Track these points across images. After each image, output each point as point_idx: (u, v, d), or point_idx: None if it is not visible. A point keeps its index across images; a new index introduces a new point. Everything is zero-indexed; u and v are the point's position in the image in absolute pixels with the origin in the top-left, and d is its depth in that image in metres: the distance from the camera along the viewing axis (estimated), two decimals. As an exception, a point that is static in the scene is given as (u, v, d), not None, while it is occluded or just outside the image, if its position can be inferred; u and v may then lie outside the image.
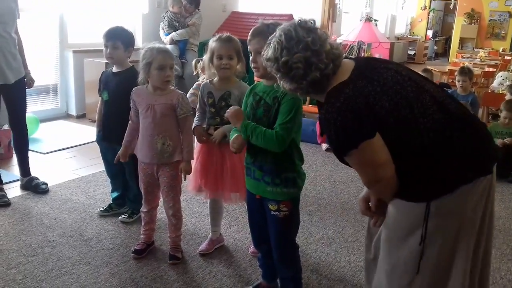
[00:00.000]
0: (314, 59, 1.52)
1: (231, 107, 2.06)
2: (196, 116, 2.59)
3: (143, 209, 2.68)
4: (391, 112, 1.47)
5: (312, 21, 1.61)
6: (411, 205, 1.52)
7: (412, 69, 1.70)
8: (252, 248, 2.70)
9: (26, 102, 3.47)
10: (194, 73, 3.40)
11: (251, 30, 2.02)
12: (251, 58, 2.02)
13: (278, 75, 1.61)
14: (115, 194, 3.19)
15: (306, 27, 1.58)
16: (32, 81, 3.51)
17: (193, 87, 3.19)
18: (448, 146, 1.48)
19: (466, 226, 1.52)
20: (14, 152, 3.82)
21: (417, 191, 1.51)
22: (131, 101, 2.55)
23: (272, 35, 1.63)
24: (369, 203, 1.71)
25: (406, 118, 1.48)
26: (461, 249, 1.52)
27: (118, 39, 2.84)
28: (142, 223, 2.72)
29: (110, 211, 3.14)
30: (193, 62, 3.44)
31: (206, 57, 2.45)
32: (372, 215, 1.70)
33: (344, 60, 1.61)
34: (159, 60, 2.38)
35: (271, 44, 1.59)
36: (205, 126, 2.51)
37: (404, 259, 1.56)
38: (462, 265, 1.53)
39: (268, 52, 1.60)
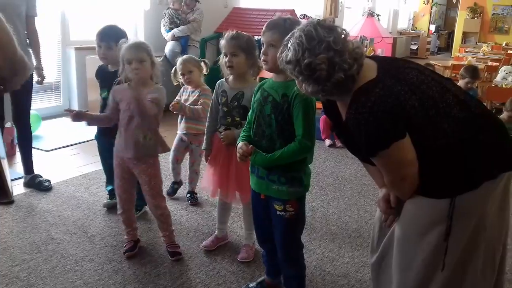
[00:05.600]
0: (337, 59, 1.46)
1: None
2: (208, 120, 2.57)
3: (120, 211, 2.63)
4: (420, 111, 1.45)
5: (331, 19, 1.56)
6: (434, 201, 1.51)
7: (431, 69, 1.69)
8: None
9: (31, 100, 3.50)
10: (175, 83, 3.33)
11: (267, 22, 1.96)
12: (262, 50, 1.96)
13: (300, 78, 1.53)
14: (110, 187, 3.22)
15: (326, 25, 1.51)
16: (43, 77, 3.57)
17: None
18: (473, 143, 1.48)
19: (487, 222, 1.52)
20: (17, 149, 3.82)
21: (442, 188, 1.50)
22: (110, 97, 2.53)
23: (289, 36, 1.56)
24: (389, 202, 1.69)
25: (432, 118, 1.46)
26: (480, 245, 1.53)
27: (112, 39, 2.81)
28: (124, 226, 2.68)
29: (115, 198, 3.18)
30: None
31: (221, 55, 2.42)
32: (393, 213, 1.68)
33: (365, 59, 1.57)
34: (125, 54, 2.40)
35: (291, 46, 1.52)
36: (219, 129, 2.49)
37: (422, 256, 1.55)
38: (478, 261, 1.53)
39: (287, 54, 1.52)
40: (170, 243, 2.65)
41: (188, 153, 3.39)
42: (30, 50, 3.42)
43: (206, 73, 3.29)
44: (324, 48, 1.46)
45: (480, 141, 1.49)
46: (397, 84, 1.47)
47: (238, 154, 2.01)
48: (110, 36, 2.84)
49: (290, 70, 1.54)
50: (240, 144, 2.02)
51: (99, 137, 3.10)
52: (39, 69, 3.53)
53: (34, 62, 3.48)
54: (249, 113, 2.14)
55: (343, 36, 1.50)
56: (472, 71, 4.96)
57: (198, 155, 3.33)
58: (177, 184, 3.46)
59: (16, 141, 3.79)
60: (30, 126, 3.54)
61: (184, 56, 3.34)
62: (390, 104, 1.43)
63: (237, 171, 2.45)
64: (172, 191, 3.42)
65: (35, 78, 3.55)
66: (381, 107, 1.43)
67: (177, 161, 3.38)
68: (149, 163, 2.51)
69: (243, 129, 2.15)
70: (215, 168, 2.56)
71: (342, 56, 1.47)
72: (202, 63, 3.26)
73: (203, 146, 2.61)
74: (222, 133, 2.45)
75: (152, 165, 2.53)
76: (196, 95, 3.20)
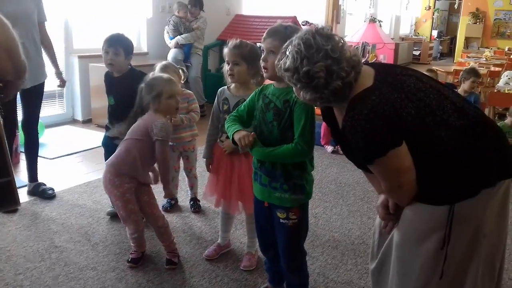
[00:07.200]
0: (335, 67, 1.47)
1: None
2: (208, 128, 2.57)
3: (133, 234, 2.58)
4: (416, 119, 1.45)
5: (329, 28, 1.56)
6: (432, 208, 1.51)
7: (429, 76, 1.69)
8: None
9: (40, 108, 3.54)
10: None
11: (268, 29, 1.96)
12: (262, 56, 1.96)
13: (298, 86, 1.55)
14: None
15: (324, 34, 1.52)
16: (64, 81, 3.67)
17: None
18: (471, 151, 1.48)
19: (485, 229, 1.52)
20: (20, 158, 3.84)
21: (441, 195, 1.49)
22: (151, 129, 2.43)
23: (288, 43, 1.57)
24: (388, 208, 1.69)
25: (429, 126, 1.46)
26: (479, 252, 1.52)
27: (120, 45, 2.86)
28: (133, 244, 2.63)
29: None
30: None
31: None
32: (392, 219, 1.68)
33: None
34: (169, 90, 2.45)
35: (289, 54, 1.53)
36: (220, 138, 2.49)
37: (421, 262, 1.55)
38: (477, 268, 1.53)
39: (286, 62, 1.54)
40: (170, 251, 2.65)
41: (182, 161, 3.35)
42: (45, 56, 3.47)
43: (183, 81, 3.19)
44: (322, 56, 1.48)
45: (478, 148, 1.48)
46: (394, 91, 1.48)
47: (240, 144, 1.92)
48: (119, 42, 2.88)
49: (288, 77, 1.55)
50: (243, 133, 1.93)
51: (107, 140, 3.05)
52: (59, 73, 3.60)
53: (53, 68, 3.55)
54: (241, 107, 2.10)
55: (340, 44, 1.51)
56: (475, 71, 5.04)
57: (194, 160, 3.34)
58: (173, 200, 3.39)
59: (20, 149, 3.81)
60: (38, 134, 3.58)
61: (164, 62, 3.22)
62: (386, 111, 1.43)
63: (239, 181, 2.45)
64: (170, 206, 3.36)
65: (57, 82, 3.62)
66: (377, 115, 1.43)
67: (175, 170, 3.30)
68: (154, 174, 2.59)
69: (231, 119, 2.06)
70: (217, 178, 2.56)
71: (339, 64, 1.48)
72: (180, 71, 3.17)
73: (204, 155, 2.60)
74: (224, 142, 2.45)
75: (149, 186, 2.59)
76: (185, 102, 3.13)
